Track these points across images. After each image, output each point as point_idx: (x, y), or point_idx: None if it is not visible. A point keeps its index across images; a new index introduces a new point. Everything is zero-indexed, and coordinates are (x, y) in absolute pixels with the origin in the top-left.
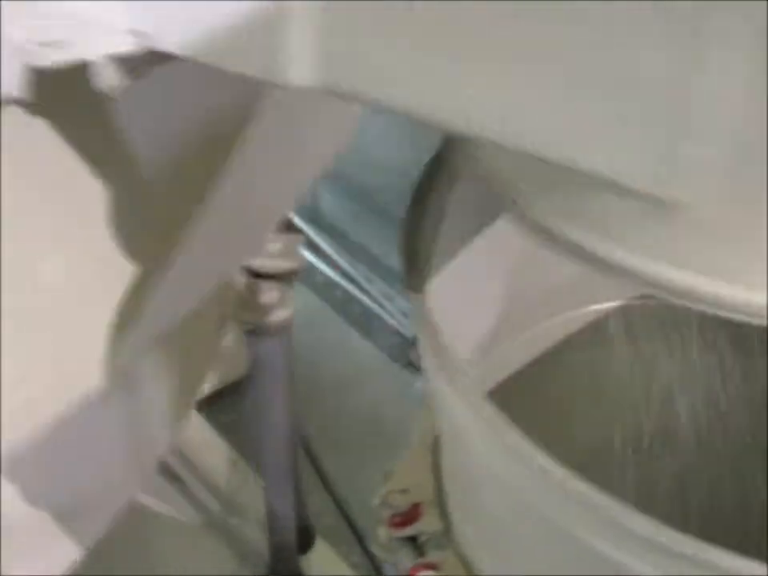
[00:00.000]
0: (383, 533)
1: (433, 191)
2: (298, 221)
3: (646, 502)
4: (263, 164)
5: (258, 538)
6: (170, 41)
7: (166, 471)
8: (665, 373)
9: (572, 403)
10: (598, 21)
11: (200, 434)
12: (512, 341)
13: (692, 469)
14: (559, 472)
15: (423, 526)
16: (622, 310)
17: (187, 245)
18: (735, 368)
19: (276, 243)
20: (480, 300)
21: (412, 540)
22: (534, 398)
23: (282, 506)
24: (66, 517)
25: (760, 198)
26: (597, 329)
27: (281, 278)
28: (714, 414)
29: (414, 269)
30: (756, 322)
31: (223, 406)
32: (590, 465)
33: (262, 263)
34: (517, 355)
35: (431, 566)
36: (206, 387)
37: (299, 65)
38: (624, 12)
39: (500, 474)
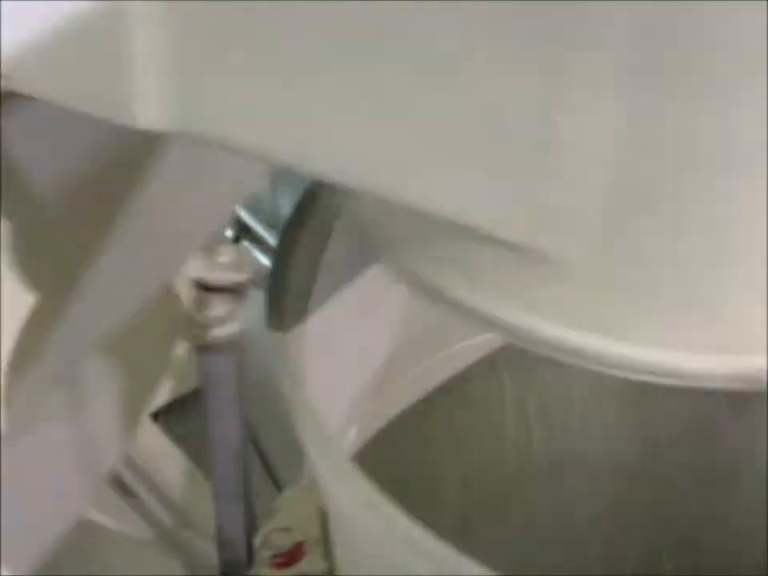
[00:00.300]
0: (266, 573)
1: (306, 227)
2: (256, 226)
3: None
4: (170, 194)
5: (211, 553)
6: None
7: (116, 483)
8: (559, 400)
9: (469, 435)
10: (455, 64)
11: (155, 444)
12: (403, 376)
13: (583, 499)
14: (423, 538)
15: (306, 566)
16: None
17: (91, 276)
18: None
19: (226, 254)
20: (361, 341)
21: None
22: (427, 432)
23: (233, 522)
24: (12, 536)
25: (635, 249)
26: (486, 360)
27: (231, 290)
28: (609, 444)
29: (278, 309)
30: (630, 377)
31: (180, 415)
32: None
33: (210, 276)
34: (409, 389)
35: None
36: (162, 397)
37: (147, 106)
38: (483, 54)
39: (360, 527)
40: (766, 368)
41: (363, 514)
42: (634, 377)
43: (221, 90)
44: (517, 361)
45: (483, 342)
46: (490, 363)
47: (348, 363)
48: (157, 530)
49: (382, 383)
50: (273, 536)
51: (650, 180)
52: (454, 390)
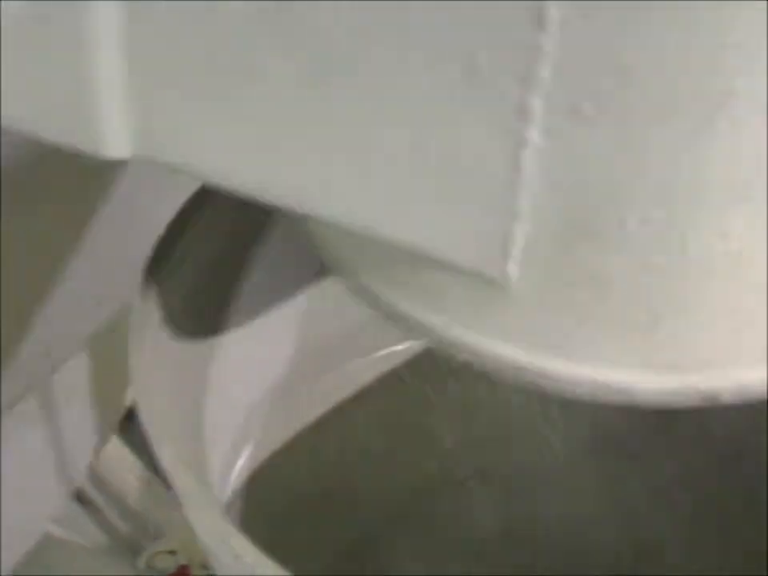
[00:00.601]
0: None
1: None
2: None
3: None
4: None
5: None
6: None
7: (73, 492)
8: (469, 414)
9: (375, 449)
10: (413, 94)
11: (112, 452)
12: (306, 389)
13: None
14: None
15: None
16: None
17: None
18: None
19: None
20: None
21: None
22: (330, 447)
23: None
24: None
25: (581, 272)
26: (393, 373)
27: None
28: (519, 458)
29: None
30: (583, 397)
31: (138, 423)
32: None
33: None
34: (312, 403)
35: None
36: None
37: (110, 134)
38: (441, 87)
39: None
40: (716, 385)
41: (234, 564)
42: (586, 397)
43: (181, 117)
44: (424, 374)
45: (389, 355)
46: (396, 377)
47: (244, 376)
48: (114, 539)
49: (283, 396)
50: (157, 558)
51: (594, 207)
52: (358, 403)
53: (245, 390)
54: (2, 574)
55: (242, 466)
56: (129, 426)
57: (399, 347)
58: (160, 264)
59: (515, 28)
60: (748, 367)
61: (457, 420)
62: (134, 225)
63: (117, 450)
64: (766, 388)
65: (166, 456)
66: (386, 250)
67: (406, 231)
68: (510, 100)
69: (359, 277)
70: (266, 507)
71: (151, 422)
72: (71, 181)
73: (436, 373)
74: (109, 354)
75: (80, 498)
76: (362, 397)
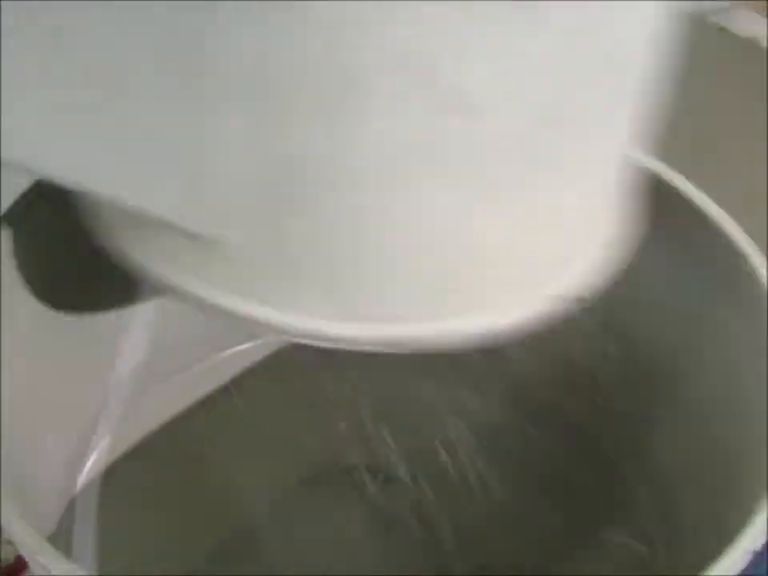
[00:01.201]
0: None
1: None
2: None
3: None
4: None
5: None
6: None
7: None
8: (330, 411)
9: (232, 449)
10: (134, 88)
11: None
12: (162, 386)
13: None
14: None
15: None
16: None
17: None
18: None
19: None
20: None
21: None
22: (186, 447)
23: None
24: None
25: (283, 237)
26: (251, 370)
27: None
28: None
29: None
30: (294, 341)
31: None
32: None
33: None
34: (168, 400)
35: None
36: None
37: None
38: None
39: None
40: (404, 335)
41: None
42: (296, 341)
43: None
44: (283, 370)
45: (249, 351)
46: (253, 373)
47: (99, 367)
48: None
49: (138, 394)
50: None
51: (288, 183)
52: (215, 400)
53: (100, 382)
54: None
55: (96, 458)
56: None
57: (252, 344)
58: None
59: None
60: (421, 322)
61: (317, 418)
62: None
63: None
64: (438, 341)
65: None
66: (138, 222)
67: (150, 203)
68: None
69: (122, 248)
70: (123, 501)
71: None
72: None
73: (296, 369)
74: None
75: None
76: (220, 393)
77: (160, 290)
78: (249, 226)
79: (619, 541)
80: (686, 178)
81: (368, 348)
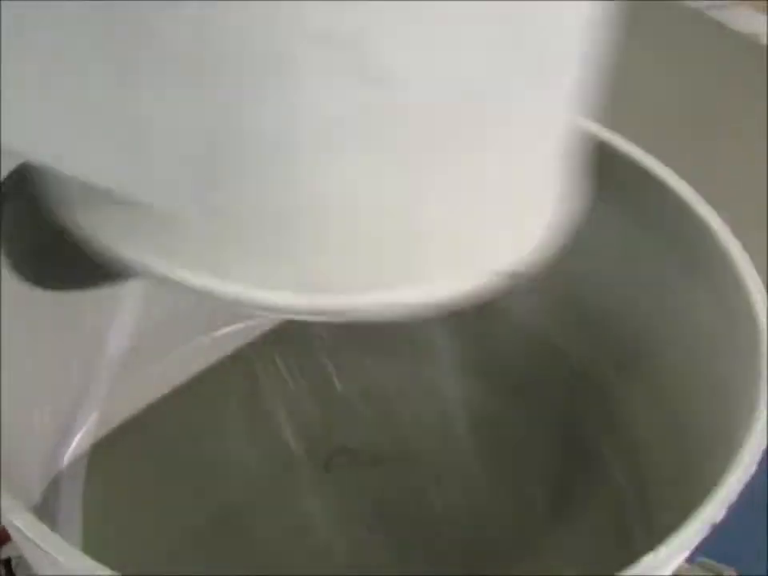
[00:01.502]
0: None
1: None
2: None
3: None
4: None
5: None
6: None
7: None
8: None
9: (214, 433)
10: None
11: None
12: (150, 367)
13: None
14: None
15: (13, 550)
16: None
17: None
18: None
19: None
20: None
21: (6, 562)
22: (169, 429)
23: None
24: None
25: (225, 206)
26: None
27: None
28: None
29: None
30: (237, 311)
31: None
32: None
33: None
34: (153, 383)
35: None
36: None
37: None
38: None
39: None
40: (343, 305)
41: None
42: (238, 310)
43: None
44: (269, 352)
45: (238, 332)
46: (240, 355)
47: (87, 344)
48: None
49: (126, 371)
50: None
51: (223, 155)
52: (204, 380)
53: (86, 358)
54: None
55: (83, 435)
56: None
57: (241, 326)
58: None
59: None
60: (358, 293)
61: (299, 402)
62: None
63: None
64: (376, 312)
65: None
66: (95, 198)
67: (98, 175)
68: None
69: (84, 228)
70: (110, 478)
71: None
72: None
73: (287, 349)
74: None
75: None
76: (208, 373)
77: (120, 266)
78: (191, 197)
79: (596, 517)
80: (683, 174)
81: (311, 318)
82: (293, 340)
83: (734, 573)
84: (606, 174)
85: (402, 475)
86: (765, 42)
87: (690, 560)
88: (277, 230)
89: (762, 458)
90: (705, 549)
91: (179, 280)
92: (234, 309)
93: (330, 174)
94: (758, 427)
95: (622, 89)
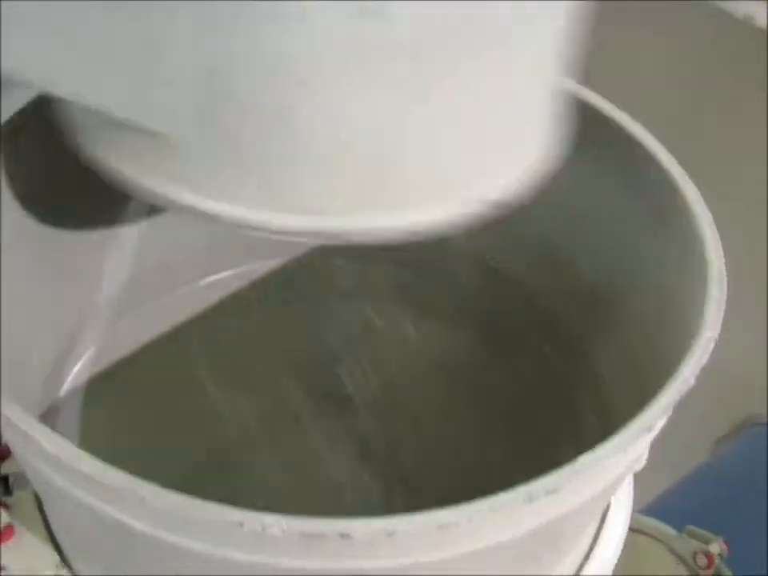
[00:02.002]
0: None
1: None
2: None
3: None
4: None
5: None
6: None
7: None
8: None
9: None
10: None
11: None
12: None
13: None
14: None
15: (11, 467)
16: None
17: None
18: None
19: None
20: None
21: (4, 479)
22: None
23: None
24: None
25: (226, 133)
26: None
27: None
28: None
29: None
30: (242, 232)
31: None
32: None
33: None
34: (151, 321)
35: (3, 505)
36: None
37: None
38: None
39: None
40: (340, 229)
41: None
42: (242, 232)
43: None
44: (261, 301)
45: (222, 281)
46: (234, 301)
47: (86, 279)
48: None
49: (124, 310)
50: None
51: (225, 81)
52: (190, 329)
53: (84, 294)
54: None
55: (80, 367)
56: None
57: (231, 273)
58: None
59: None
60: (348, 215)
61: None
62: None
63: None
64: (364, 235)
65: None
66: (104, 125)
67: (106, 100)
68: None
69: (95, 153)
70: (104, 414)
71: None
72: None
73: (282, 295)
74: None
75: None
76: (198, 320)
77: (130, 192)
78: (194, 121)
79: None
80: (682, 160)
81: (309, 240)
82: (278, 290)
83: (721, 541)
84: (582, 128)
85: (387, 420)
86: (761, 25)
87: (679, 528)
88: (275, 153)
89: (759, 432)
90: (694, 518)
91: (187, 204)
92: (239, 231)
93: (327, 101)
94: (697, 351)
95: (622, 68)
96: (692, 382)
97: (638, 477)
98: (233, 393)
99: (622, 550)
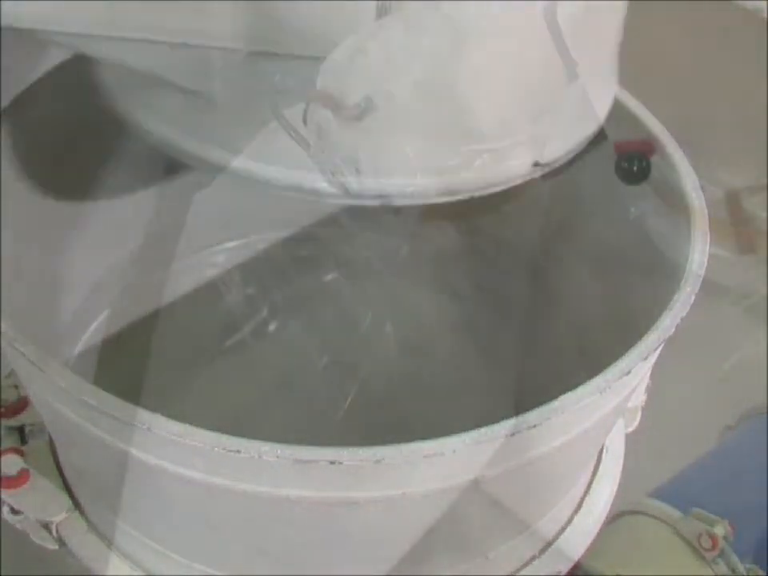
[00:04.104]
0: None
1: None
2: None
3: None
4: None
5: None
6: None
7: None
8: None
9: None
10: None
11: None
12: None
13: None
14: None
15: (27, 417)
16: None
17: None
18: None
19: None
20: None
21: (20, 429)
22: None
23: None
24: None
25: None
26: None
27: None
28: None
29: None
30: (284, 194)
31: None
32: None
33: None
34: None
35: (18, 452)
36: None
37: None
38: None
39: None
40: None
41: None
42: (285, 193)
43: None
44: (265, 271)
45: (238, 247)
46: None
47: (98, 245)
48: None
49: (137, 275)
50: (4, 391)
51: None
52: (198, 297)
53: (96, 260)
54: None
55: (96, 327)
56: None
57: (238, 242)
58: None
59: None
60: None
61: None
62: None
63: None
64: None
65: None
66: (142, 85)
67: (150, 63)
68: None
69: (128, 111)
70: (115, 369)
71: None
72: None
73: (279, 269)
74: None
75: None
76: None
77: (159, 148)
78: (227, 80)
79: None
80: (685, 148)
81: (347, 201)
82: (284, 260)
83: (726, 524)
84: None
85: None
86: (765, 15)
87: (685, 511)
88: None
89: (759, 418)
90: (699, 501)
91: (222, 163)
92: (271, 190)
93: None
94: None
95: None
96: (672, 330)
97: (646, 463)
98: (242, 358)
99: (628, 532)
